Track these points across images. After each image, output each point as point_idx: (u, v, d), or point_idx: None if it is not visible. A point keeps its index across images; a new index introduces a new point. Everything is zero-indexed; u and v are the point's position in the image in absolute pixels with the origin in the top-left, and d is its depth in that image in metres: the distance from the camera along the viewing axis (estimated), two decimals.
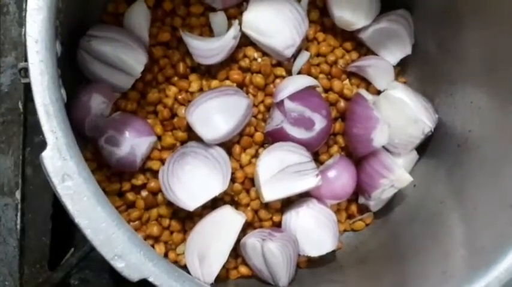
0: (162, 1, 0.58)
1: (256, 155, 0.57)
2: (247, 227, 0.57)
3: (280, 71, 0.59)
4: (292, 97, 0.55)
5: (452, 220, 0.51)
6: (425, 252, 0.51)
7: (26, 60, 0.40)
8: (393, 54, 0.61)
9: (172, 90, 0.57)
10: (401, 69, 0.63)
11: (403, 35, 0.60)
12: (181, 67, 0.57)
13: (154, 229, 0.55)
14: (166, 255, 0.56)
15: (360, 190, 0.59)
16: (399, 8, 0.60)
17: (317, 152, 0.59)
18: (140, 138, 0.54)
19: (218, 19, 0.58)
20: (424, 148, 0.60)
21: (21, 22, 0.57)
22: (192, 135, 0.56)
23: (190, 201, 0.52)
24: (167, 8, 0.58)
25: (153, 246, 0.56)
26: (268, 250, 0.52)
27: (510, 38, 0.49)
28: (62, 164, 0.37)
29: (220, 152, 0.54)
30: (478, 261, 0.44)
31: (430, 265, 0.48)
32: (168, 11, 0.58)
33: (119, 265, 0.37)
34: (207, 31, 0.59)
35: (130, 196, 0.56)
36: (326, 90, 0.60)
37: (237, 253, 0.56)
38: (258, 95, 0.58)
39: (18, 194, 0.57)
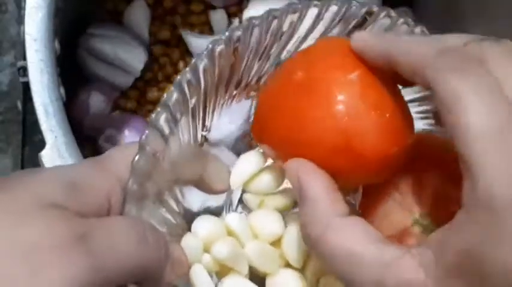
0: None
1: None
2: None
3: None
4: None
5: None
6: None
7: (24, 59, 0.40)
8: None
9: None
10: None
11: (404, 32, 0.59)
12: (181, 65, 0.57)
13: None
14: None
15: None
16: (401, 6, 0.59)
17: None
18: None
19: (218, 17, 0.58)
20: None
21: (20, 20, 0.57)
22: None
23: None
24: (167, 6, 0.57)
25: None
26: None
27: None
28: (60, 163, 0.37)
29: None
30: None
31: None
32: (168, 9, 0.58)
33: None
34: (207, 29, 0.58)
35: None
36: None
37: None
38: None
39: None
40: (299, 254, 0.31)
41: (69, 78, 0.45)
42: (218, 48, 0.29)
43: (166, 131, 0.28)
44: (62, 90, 0.42)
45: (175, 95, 0.28)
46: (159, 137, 0.28)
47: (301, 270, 0.32)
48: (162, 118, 0.28)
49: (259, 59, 0.33)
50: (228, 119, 0.54)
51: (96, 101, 0.52)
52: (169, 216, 0.31)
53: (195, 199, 0.34)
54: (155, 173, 0.28)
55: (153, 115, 0.28)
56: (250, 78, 0.34)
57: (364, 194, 0.32)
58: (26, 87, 0.45)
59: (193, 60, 0.29)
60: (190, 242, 0.29)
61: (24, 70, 0.49)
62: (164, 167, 0.29)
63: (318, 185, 0.26)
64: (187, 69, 0.29)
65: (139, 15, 0.56)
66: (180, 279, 0.29)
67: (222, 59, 0.30)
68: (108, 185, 0.26)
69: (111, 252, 0.23)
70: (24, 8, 0.40)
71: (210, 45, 0.29)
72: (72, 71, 0.53)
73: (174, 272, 0.27)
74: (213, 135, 0.53)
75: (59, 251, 0.22)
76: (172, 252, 0.27)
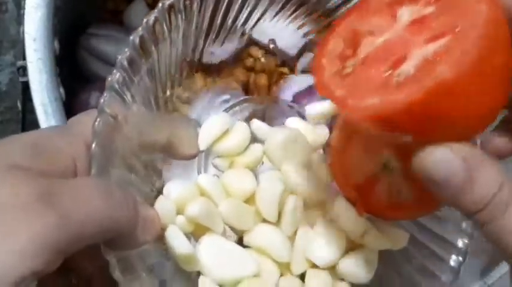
0: None
1: None
2: None
3: (284, 70, 0.58)
4: (295, 97, 0.54)
5: None
6: None
7: (24, 58, 0.40)
8: None
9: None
10: None
11: None
12: None
13: None
14: None
15: None
16: None
17: None
18: None
19: None
20: None
21: (20, 20, 0.57)
22: None
23: None
24: None
25: None
26: None
27: None
28: None
29: None
30: None
31: None
32: None
33: None
34: None
35: None
36: None
37: None
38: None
39: None
40: (273, 208, 0.31)
41: (69, 78, 0.45)
42: (168, 2, 0.29)
43: (124, 92, 0.28)
44: (62, 90, 0.42)
45: (128, 54, 0.28)
46: (118, 99, 0.27)
47: (277, 224, 0.31)
48: (117, 79, 0.27)
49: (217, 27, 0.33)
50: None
51: (96, 101, 0.52)
52: (140, 183, 0.30)
53: (169, 170, 0.34)
54: (118, 137, 0.27)
55: (109, 77, 0.27)
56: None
57: (332, 153, 0.32)
58: (26, 86, 0.45)
59: (144, 19, 0.29)
60: (163, 205, 0.29)
61: (23, 70, 0.49)
62: (128, 132, 0.28)
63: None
64: (140, 28, 0.29)
65: (139, 15, 0.56)
66: (154, 242, 0.28)
67: (174, 16, 0.30)
68: (74, 147, 0.26)
69: (77, 208, 0.22)
70: (23, 8, 0.40)
71: (160, 3, 0.29)
72: (72, 71, 0.53)
73: (147, 233, 0.26)
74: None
75: (24, 210, 0.21)
76: (143, 212, 0.26)
